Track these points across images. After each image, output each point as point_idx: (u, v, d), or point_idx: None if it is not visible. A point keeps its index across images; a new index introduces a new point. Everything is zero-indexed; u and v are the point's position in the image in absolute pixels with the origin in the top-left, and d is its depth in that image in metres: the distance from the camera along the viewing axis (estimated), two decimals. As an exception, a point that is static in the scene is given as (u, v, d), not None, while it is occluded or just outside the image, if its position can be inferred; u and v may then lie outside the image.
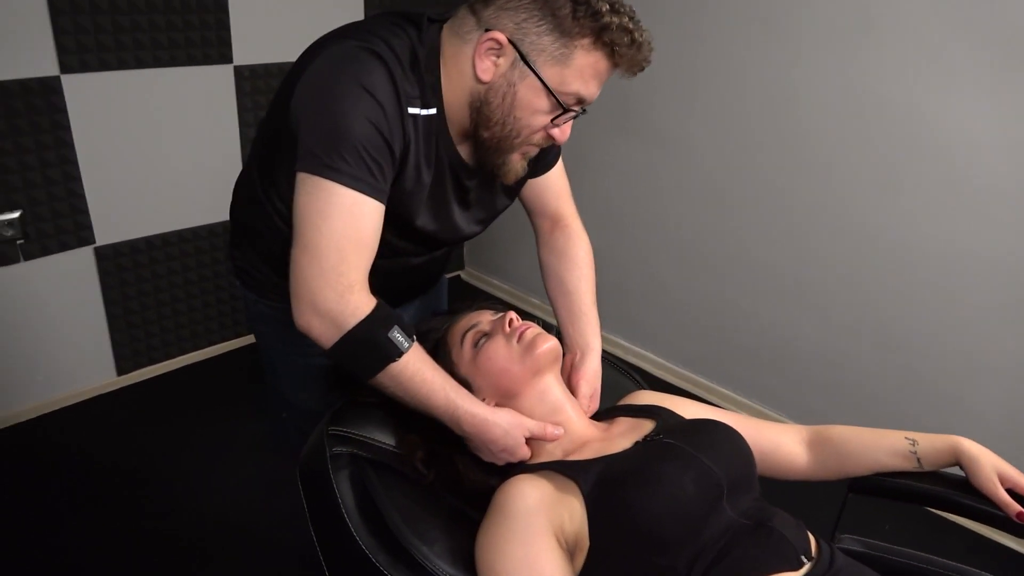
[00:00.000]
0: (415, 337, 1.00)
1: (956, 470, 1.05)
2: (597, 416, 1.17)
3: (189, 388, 2.51)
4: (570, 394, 1.11)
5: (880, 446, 1.08)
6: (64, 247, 2.21)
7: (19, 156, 2.03)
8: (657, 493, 0.89)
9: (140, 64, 2.15)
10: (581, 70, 0.95)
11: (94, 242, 2.26)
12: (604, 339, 2.73)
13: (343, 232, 0.93)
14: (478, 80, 0.98)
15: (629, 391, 1.28)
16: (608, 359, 1.34)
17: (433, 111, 1.01)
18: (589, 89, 0.98)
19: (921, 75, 1.89)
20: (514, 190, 1.22)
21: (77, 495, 2.03)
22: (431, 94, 1.00)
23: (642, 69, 0.98)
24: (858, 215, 2.10)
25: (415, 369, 0.98)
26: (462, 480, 1.06)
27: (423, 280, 1.33)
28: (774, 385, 2.46)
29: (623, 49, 0.94)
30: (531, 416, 1.05)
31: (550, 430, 1.03)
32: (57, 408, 2.34)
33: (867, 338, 2.18)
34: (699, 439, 0.98)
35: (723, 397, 2.59)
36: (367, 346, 0.95)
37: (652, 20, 1.00)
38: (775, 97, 2.19)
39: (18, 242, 2.11)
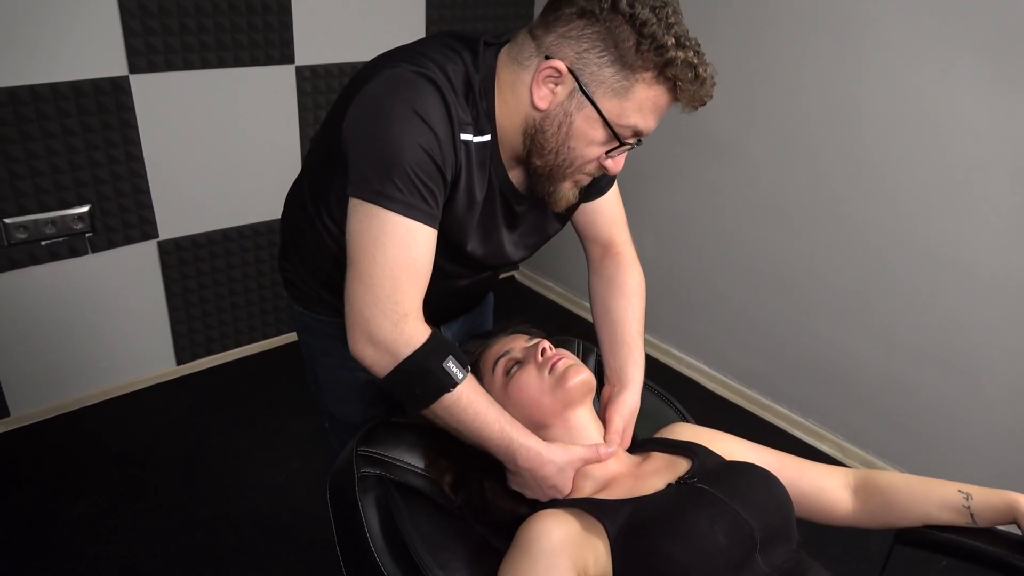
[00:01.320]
0: (469, 368, 0.99)
1: (1015, 528, 0.99)
2: (632, 447, 1.14)
3: (244, 380, 2.58)
4: (603, 427, 1.08)
5: (931, 498, 1.02)
6: (129, 240, 2.28)
7: (89, 153, 2.10)
8: (687, 544, 0.85)
9: (205, 64, 2.21)
10: (641, 103, 0.93)
11: (157, 236, 2.34)
12: (660, 349, 2.73)
13: (397, 261, 0.92)
14: (535, 107, 0.96)
15: (670, 421, 1.24)
16: (650, 387, 1.31)
17: (487, 137, 0.99)
18: (647, 122, 0.95)
19: (996, 93, 1.78)
20: (565, 216, 1.20)
21: (133, 480, 2.11)
22: (485, 120, 0.99)
23: (703, 104, 0.95)
24: (927, 235, 2.00)
25: (468, 401, 0.96)
26: (490, 507, 1.05)
27: (468, 301, 1.32)
28: (831, 406, 2.37)
29: (686, 85, 0.91)
30: None
31: (602, 451, 1.01)
32: (119, 395, 2.43)
33: (933, 363, 2.08)
34: (735, 485, 0.94)
35: (778, 414, 2.51)
36: (421, 376, 0.94)
37: (714, 29, 0.96)
38: (840, 111, 2.09)
39: (87, 235, 2.20)
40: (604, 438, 1.07)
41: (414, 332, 0.94)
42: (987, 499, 0.99)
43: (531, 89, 0.95)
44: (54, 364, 2.30)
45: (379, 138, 0.91)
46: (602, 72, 0.92)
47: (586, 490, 1.02)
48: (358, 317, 0.94)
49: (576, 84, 0.93)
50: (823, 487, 1.08)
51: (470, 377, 0.97)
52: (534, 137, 0.98)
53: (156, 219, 2.31)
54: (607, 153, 0.98)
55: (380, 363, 0.94)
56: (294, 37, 2.34)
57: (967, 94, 1.83)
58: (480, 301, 1.38)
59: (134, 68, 2.09)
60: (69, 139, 2.06)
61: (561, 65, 0.93)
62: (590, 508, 0.94)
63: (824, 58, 2.09)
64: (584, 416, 1.06)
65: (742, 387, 2.61)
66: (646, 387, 1.31)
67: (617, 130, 0.95)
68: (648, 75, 0.91)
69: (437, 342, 0.95)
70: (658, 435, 1.15)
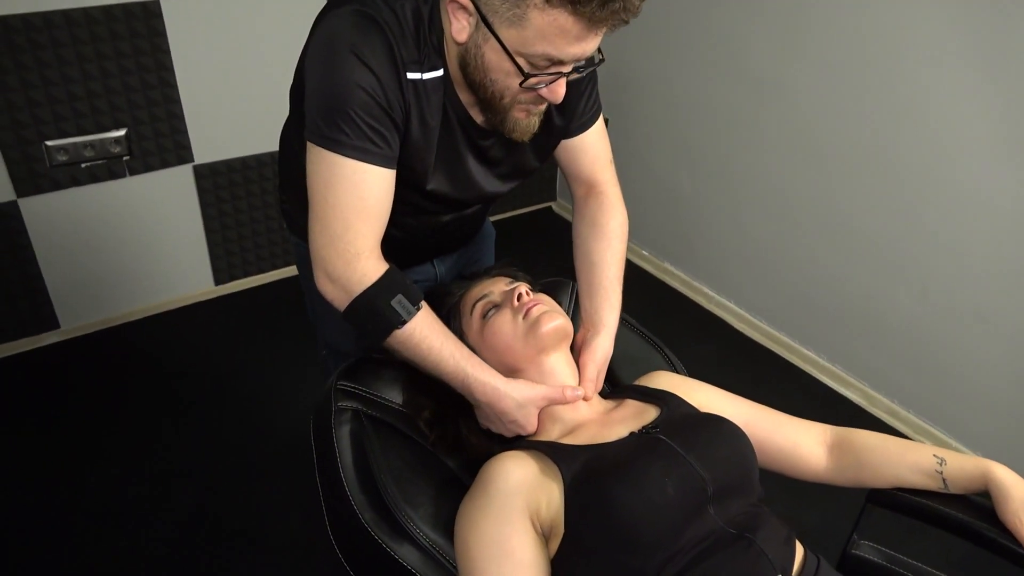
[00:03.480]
0: (422, 304, 1.00)
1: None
2: (608, 393, 1.15)
3: (279, 302, 2.66)
4: (576, 372, 1.08)
5: (904, 461, 1.00)
6: (165, 164, 2.35)
7: (123, 78, 2.15)
8: (636, 493, 0.87)
9: (235, -12, 2.20)
10: (542, 30, 0.86)
11: (193, 160, 2.39)
12: (691, 287, 2.69)
13: (347, 202, 0.95)
14: (455, 41, 0.94)
15: (657, 367, 1.24)
16: (641, 333, 1.31)
17: (439, 72, 0.98)
18: (562, 50, 0.88)
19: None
20: (544, 150, 1.18)
21: (171, 394, 2.24)
22: (436, 55, 0.97)
23: (625, 22, 0.87)
24: (970, 185, 1.89)
25: (421, 336, 0.99)
26: (464, 444, 1.08)
27: (458, 236, 1.32)
28: (859, 353, 2.32)
29: (583, 6, 0.83)
30: None
31: (568, 392, 1.01)
32: (161, 312, 2.56)
33: (966, 317, 2.00)
34: (695, 438, 0.94)
35: (805, 358, 2.47)
36: (372, 313, 0.98)
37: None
38: (887, 51, 1.96)
39: (124, 158, 2.27)
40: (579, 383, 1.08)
41: (367, 270, 0.96)
42: (961, 466, 0.97)
43: (450, 22, 0.93)
44: (99, 281, 2.42)
45: (324, 82, 0.93)
46: (493, 1, 0.87)
47: (553, 433, 1.04)
48: (316, 256, 0.98)
49: (479, 15, 0.89)
50: (798, 442, 1.07)
51: (424, 314, 0.99)
52: (464, 70, 0.96)
53: (191, 144, 2.36)
54: (522, 85, 0.92)
55: (338, 299, 0.99)
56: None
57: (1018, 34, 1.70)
58: (472, 236, 1.38)
59: (165, -9, 2.11)
60: (103, 63, 2.10)
61: None
62: (550, 452, 0.96)
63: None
64: (559, 361, 1.06)
65: (771, 329, 2.57)
66: (636, 333, 1.31)
67: (524, 60, 0.90)
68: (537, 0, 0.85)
69: (388, 280, 0.97)
70: (638, 382, 1.15)
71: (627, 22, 0.88)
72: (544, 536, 0.91)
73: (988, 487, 0.94)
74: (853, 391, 2.35)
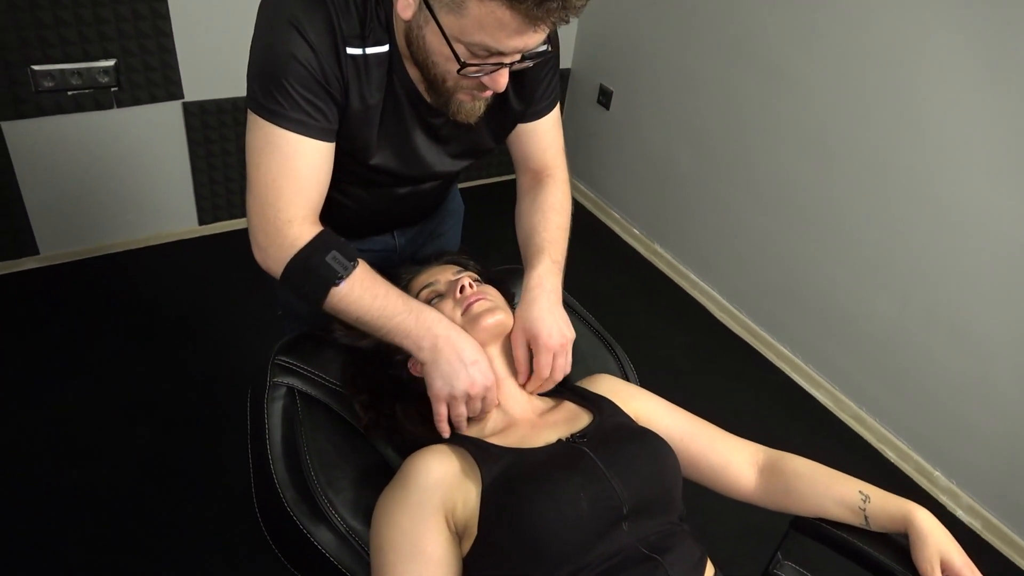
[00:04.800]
0: (359, 261, 0.98)
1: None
2: (553, 390, 1.14)
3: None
4: (511, 370, 1.07)
5: (830, 493, 1.00)
6: (154, 99, 2.31)
7: (113, 6, 2.10)
8: (548, 505, 0.86)
9: (234, -78, 2.13)
10: (480, 21, 0.82)
11: (183, 97, 2.35)
12: (676, 270, 2.67)
13: (278, 171, 0.95)
14: (401, 17, 0.91)
15: (605, 368, 1.23)
16: (594, 330, 1.29)
17: (384, 48, 0.96)
18: (500, 42, 0.84)
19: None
20: (500, 131, 1.15)
21: (143, 328, 2.25)
22: (383, 30, 0.95)
23: (566, 21, 0.84)
24: (968, 204, 1.84)
25: (364, 288, 0.97)
26: (399, 430, 1.08)
27: (418, 209, 1.31)
28: (834, 356, 2.30)
29: (519, 3, 0.79)
30: None
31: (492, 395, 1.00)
32: (142, 247, 2.55)
33: (943, 333, 1.98)
34: (618, 452, 0.94)
35: (780, 355, 2.46)
36: (306, 272, 0.96)
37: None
38: (905, 57, 1.89)
39: (112, 89, 2.23)
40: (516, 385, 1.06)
41: (299, 234, 0.96)
42: (884, 505, 0.97)
43: None
44: (81, 210, 2.40)
45: (262, 52, 0.92)
46: None
47: (486, 428, 1.03)
48: (249, 224, 0.99)
49: None
50: (730, 461, 1.07)
51: (362, 271, 0.97)
52: (409, 48, 0.94)
53: (181, 80, 2.32)
54: (460, 72, 0.89)
55: (273, 267, 0.98)
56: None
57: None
58: (433, 211, 1.36)
59: (160, -80, 2.04)
60: (93, -11, 2.05)
61: None
62: (474, 451, 0.95)
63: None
64: (494, 354, 1.05)
65: (750, 321, 2.56)
66: (591, 329, 1.29)
67: (463, 47, 0.86)
68: None
69: (321, 239, 0.96)
70: (580, 383, 1.14)
71: (567, 21, 0.85)
72: (458, 535, 0.91)
73: (908, 530, 0.94)
74: (822, 392, 2.35)
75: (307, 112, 0.93)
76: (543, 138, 1.19)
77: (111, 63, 2.18)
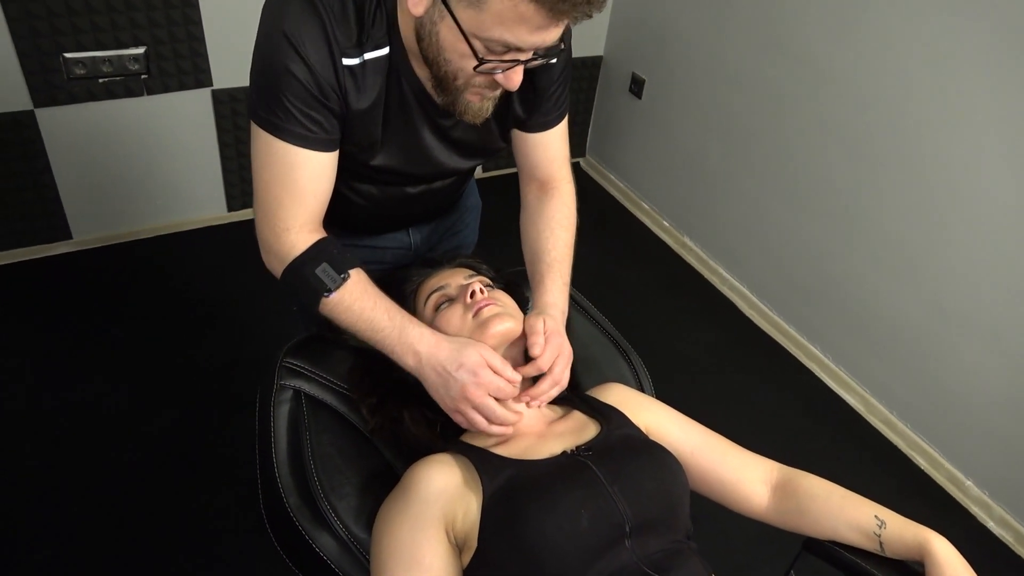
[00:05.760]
0: (351, 273, 0.98)
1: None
2: (563, 398, 1.11)
3: (289, 234, 2.66)
4: (519, 376, 1.05)
5: (844, 516, 0.96)
6: (183, 86, 2.32)
7: (143, -6, 2.11)
8: (549, 519, 0.85)
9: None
10: (500, 15, 0.80)
11: (211, 85, 2.36)
12: (706, 265, 2.61)
13: (277, 181, 0.97)
14: (412, 13, 0.88)
15: (618, 376, 1.20)
16: (609, 335, 1.26)
17: (384, 51, 0.95)
18: (520, 37, 0.82)
19: None
20: (507, 133, 1.14)
21: (168, 314, 2.28)
22: (383, 33, 0.94)
23: (589, 16, 0.81)
24: (1007, 208, 1.77)
25: (352, 299, 0.98)
26: (405, 435, 1.07)
27: (431, 207, 1.30)
28: (865, 358, 2.24)
29: None
30: None
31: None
32: (171, 232, 2.58)
33: (978, 340, 1.91)
34: (623, 467, 0.92)
35: (810, 355, 2.41)
36: (300, 281, 1.00)
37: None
38: (947, 53, 1.81)
39: (142, 76, 2.25)
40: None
41: (295, 243, 0.98)
42: (901, 532, 0.93)
43: None
44: (112, 196, 2.44)
45: (260, 65, 0.93)
46: None
47: (489, 440, 1.01)
48: (256, 227, 1.03)
49: None
50: (741, 478, 1.04)
51: (355, 281, 0.98)
52: (419, 45, 0.91)
53: (211, 67, 2.32)
54: (475, 69, 0.87)
55: (275, 270, 1.02)
56: None
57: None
58: (448, 208, 1.35)
59: (189, -92, 2.04)
60: (123, -23, 2.06)
61: None
62: (478, 461, 0.94)
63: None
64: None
65: (780, 319, 2.50)
66: (606, 335, 1.27)
67: (480, 43, 0.84)
68: None
69: (315, 250, 0.98)
70: (591, 392, 1.12)
71: (591, 16, 0.82)
72: (458, 547, 0.90)
73: (924, 559, 0.90)
74: (853, 395, 2.29)
75: (305, 125, 0.94)
76: (550, 148, 1.17)
77: (141, 51, 2.20)
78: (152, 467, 1.84)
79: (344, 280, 0.98)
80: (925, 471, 2.11)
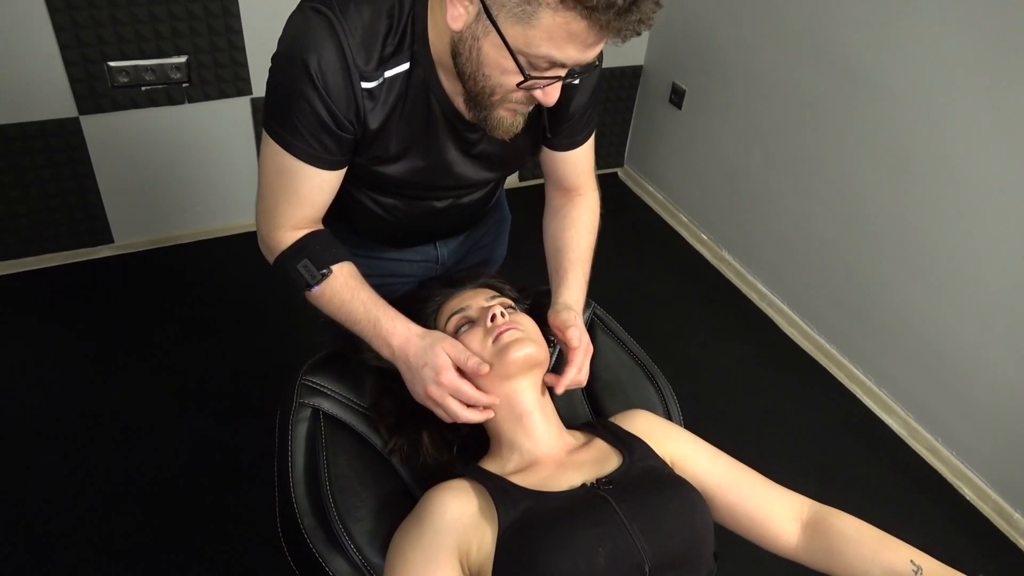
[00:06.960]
0: (332, 269, 1.02)
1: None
2: (583, 425, 1.09)
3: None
4: (544, 402, 1.03)
5: (878, 560, 0.92)
6: (224, 95, 2.35)
7: (186, 4, 2.14)
8: (563, 556, 0.82)
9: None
10: (550, 31, 0.79)
11: (251, 93, 2.39)
12: (744, 280, 2.56)
13: (279, 186, 1.00)
14: (450, 28, 0.87)
15: (645, 402, 1.17)
16: (637, 360, 1.22)
17: (405, 66, 0.94)
18: (565, 53, 0.81)
19: None
20: (537, 147, 1.15)
21: (206, 318, 2.31)
22: (407, 47, 0.93)
23: (637, 33, 0.79)
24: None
25: (332, 294, 1.03)
26: (423, 456, 1.05)
27: (457, 222, 1.29)
28: (909, 379, 2.16)
29: (600, 13, 0.75)
30: (494, 419, 1.00)
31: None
32: (210, 238, 2.61)
33: (1017, 352, 1.82)
34: (643, 503, 0.88)
35: (851, 376, 2.33)
36: (284, 275, 1.05)
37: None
38: (996, 65, 1.74)
39: (184, 85, 2.28)
40: (549, 419, 1.02)
41: (282, 239, 1.03)
42: (938, 577, 0.88)
43: (446, 6, 0.85)
44: (153, 201, 2.48)
45: (276, 85, 0.94)
46: None
47: (508, 465, 0.99)
48: (256, 222, 1.07)
49: (481, 5, 0.81)
50: (771, 514, 0.99)
51: (336, 275, 1.02)
52: (455, 60, 0.90)
53: (250, 76, 2.35)
54: (519, 85, 0.86)
55: (267, 260, 1.08)
56: None
57: None
58: (475, 222, 1.33)
59: (231, -81, 2.06)
60: (167, -13, 2.10)
61: None
62: (496, 491, 0.92)
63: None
64: (524, 388, 1.00)
65: (821, 338, 2.42)
66: (634, 360, 1.23)
67: (526, 59, 0.83)
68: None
69: (298, 246, 1.03)
70: (615, 419, 1.09)
71: (639, 33, 0.81)
72: (471, 577, 0.88)
73: (962, 609, 0.85)
74: (896, 420, 2.21)
75: (313, 146, 0.96)
76: (578, 163, 1.18)
77: (183, 59, 2.23)
78: (177, 471, 1.86)
79: (324, 276, 1.02)
80: (971, 501, 2.02)
